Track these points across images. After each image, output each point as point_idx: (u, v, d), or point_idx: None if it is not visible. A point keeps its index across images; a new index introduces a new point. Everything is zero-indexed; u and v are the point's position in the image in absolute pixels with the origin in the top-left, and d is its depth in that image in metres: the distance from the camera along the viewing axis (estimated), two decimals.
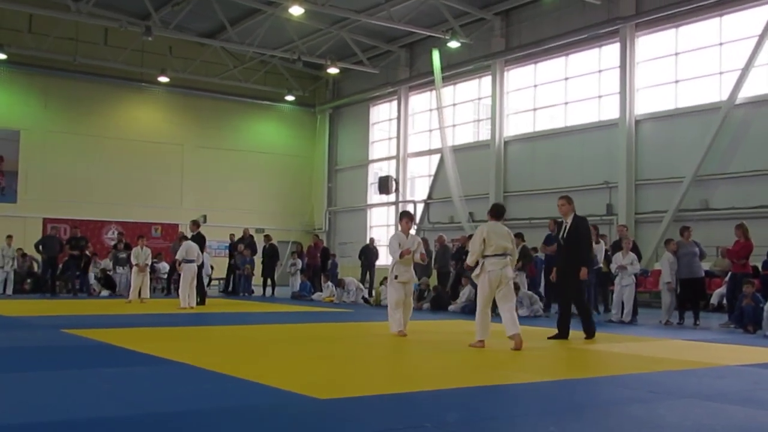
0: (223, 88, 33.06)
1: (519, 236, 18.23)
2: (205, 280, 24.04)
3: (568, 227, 11.00)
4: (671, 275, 14.44)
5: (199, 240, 17.90)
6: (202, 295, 18.01)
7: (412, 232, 11.62)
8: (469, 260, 9.91)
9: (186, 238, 17.83)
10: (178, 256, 17.23)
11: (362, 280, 21.12)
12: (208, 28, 30.14)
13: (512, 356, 8.92)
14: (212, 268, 25.63)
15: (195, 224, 18.37)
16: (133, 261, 18.80)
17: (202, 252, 18.26)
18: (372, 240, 27.10)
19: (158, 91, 32.22)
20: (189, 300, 16.66)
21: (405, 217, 11.44)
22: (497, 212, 10.00)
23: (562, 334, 10.87)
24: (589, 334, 10.84)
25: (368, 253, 25.23)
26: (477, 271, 9.65)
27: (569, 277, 10.87)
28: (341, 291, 21.00)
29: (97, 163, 30.56)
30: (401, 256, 10.79)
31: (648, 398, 6.18)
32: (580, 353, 9.65)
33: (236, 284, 24.15)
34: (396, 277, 10.79)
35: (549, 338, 10.84)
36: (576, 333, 10.91)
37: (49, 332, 10.93)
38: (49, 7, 26.89)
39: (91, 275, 22.86)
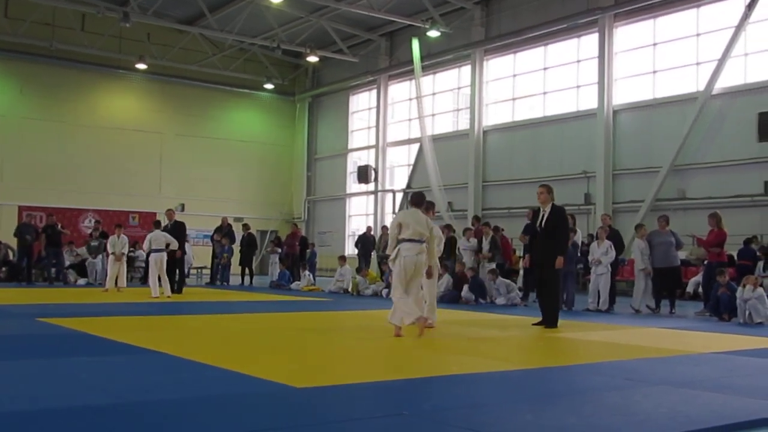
0: (202, 76, 32.86)
1: (448, 227, 18.39)
2: (186, 269, 24.02)
3: (546, 216, 11.05)
4: (644, 261, 14.53)
5: (179, 228, 17.76)
6: (180, 284, 17.91)
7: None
8: (389, 250, 9.68)
9: (159, 226, 17.65)
10: (145, 246, 17.08)
11: (359, 269, 20.96)
12: (187, 14, 29.92)
13: (488, 345, 8.95)
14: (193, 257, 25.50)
15: (170, 212, 18.19)
16: (110, 249, 18.71)
17: (185, 240, 18.22)
18: (369, 228, 26.72)
19: (136, 78, 31.96)
20: (163, 287, 16.47)
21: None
22: (416, 200, 9.87)
23: (550, 321, 10.98)
24: (552, 323, 10.85)
25: (365, 242, 24.83)
26: (392, 255, 9.50)
27: (546, 265, 10.93)
28: (339, 273, 20.83)
29: (73, 151, 30.31)
30: None
31: (624, 385, 6.23)
32: (555, 342, 9.71)
33: (214, 273, 24.05)
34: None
35: (534, 324, 10.99)
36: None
37: (24, 321, 10.83)
38: None
39: (66, 262, 22.60)
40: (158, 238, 16.74)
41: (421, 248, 9.42)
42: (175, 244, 16.87)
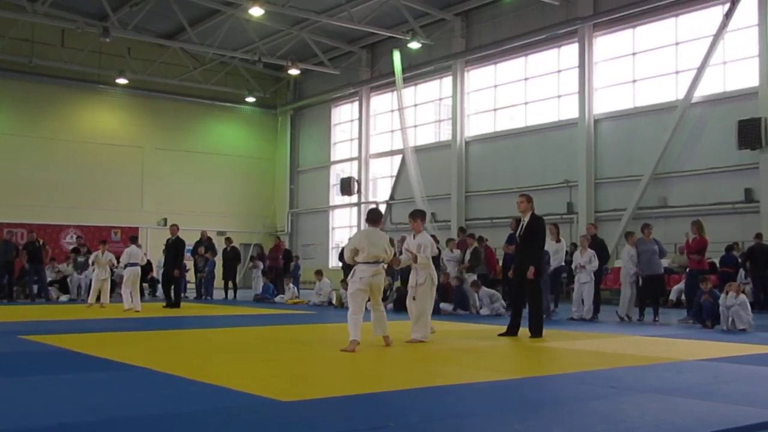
0: (183, 90, 32.80)
1: (471, 237, 18.39)
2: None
3: (525, 225, 11.12)
4: (635, 267, 14.52)
5: (177, 244, 18.31)
6: (177, 299, 18.27)
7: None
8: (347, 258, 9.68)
9: (135, 241, 17.81)
10: (122, 261, 17.31)
11: (343, 281, 20.78)
12: (167, 28, 29.88)
13: (474, 356, 8.95)
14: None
15: (174, 228, 18.72)
16: (93, 264, 18.61)
17: (182, 257, 18.90)
18: None
19: (117, 93, 31.86)
20: (134, 303, 16.62)
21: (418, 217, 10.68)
22: (372, 217, 9.81)
23: (512, 330, 11.06)
24: (536, 332, 10.85)
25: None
26: (351, 276, 9.53)
27: (525, 274, 10.97)
28: (318, 287, 20.83)
29: (54, 167, 30.14)
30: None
31: (609, 394, 6.24)
32: (540, 351, 9.72)
33: (198, 287, 23.93)
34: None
35: (499, 335, 11.02)
36: (524, 330, 11.07)
37: (6, 338, 10.71)
38: (4, 8, 26.48)
39: (48, 279, 22.41)
40: (135, 253, 16.97)
41: (377, 269, 9.36)
42: (145, 262, 17.41)
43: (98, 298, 18.22)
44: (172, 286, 18.35)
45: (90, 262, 18.86)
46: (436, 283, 10.66)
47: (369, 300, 9.58)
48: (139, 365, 7.68)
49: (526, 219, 11.16)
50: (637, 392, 6.26)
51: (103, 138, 31.53)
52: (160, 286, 24.21)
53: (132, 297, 16.77)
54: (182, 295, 19.63)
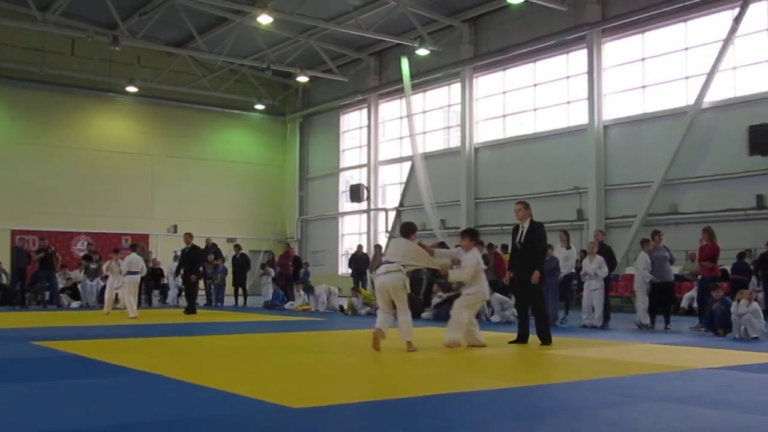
0: (193, 98, 32.91)
1: (481, 244, 18.28)
2: (176, 291, 23.98)
3: (525, 232, 11.12)
4: (650, 275, 14.40)
5: (196, 252, 18.82)
6: (192, 306, 18.63)
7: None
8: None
9: (135, 249, 17.98)
10: (123, 269, 17.56)
11: (353, 289, 20.70)
12: (177, 37, 29.99)
13: (483, 363, 8.93)
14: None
15: (188, 236, 18.97)
16: (106, 272, 18.58)
17: (199, 265, 19.40)
18: (360, 247, 26.20)
19: (127, 101, 31.99)
20: (129, 309, 16.87)
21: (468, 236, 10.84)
22: (402, 229, 10.55)
23: (521, 338, 11.07)
24: (545, 340, 10.86)
25: (358, 261, 24.54)
26: None
27: (527, 282, 10.94)
28: (313, 298, 20.97)
29: (65, 174, 30.27)
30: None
31: (620, 402, 6.21)
32: (550, 358, 9.69)
33: (208, 294, 23.94)
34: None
35: (510, 342, 10.99)
36: (534, 338, 11.05)
37: (19, 344, 10.77)
38: (15, 18, 26.65)
39: (59, 286, 22.50)
40: (135, 261, 17.35)
41: (387, 268, 9.77)
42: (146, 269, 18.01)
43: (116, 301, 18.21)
44: (187, 292, 18.93)
45: (104, 269, 18.88)
46: (482, 298, 10.86)
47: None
48: (149, 371, 7.70)
49: (526, 225, 11.17)
50: (649, 400, 6.24)
51: (114, 146, 31.66)
52: (169, 292, 24.33)
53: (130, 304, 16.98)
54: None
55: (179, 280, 23.94)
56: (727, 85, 20.92)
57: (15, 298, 21.61)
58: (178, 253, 25.78)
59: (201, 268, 21.71)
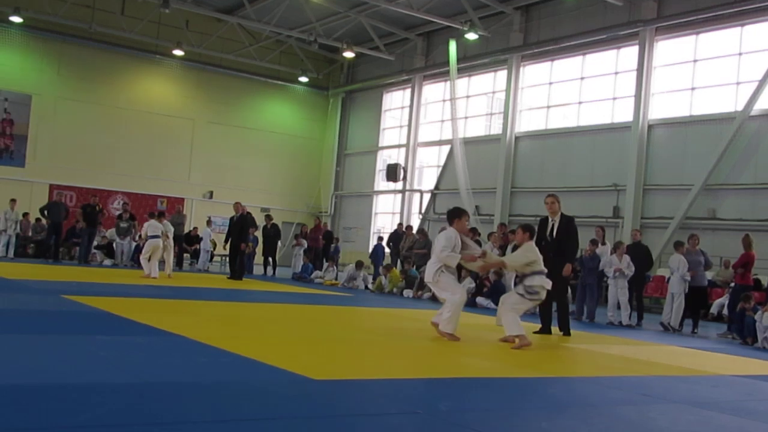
0: (238, 66, 33.03)
1: (513, 232, 18.10)
2: (206, 256, 24.18)
3: (557, 225, 11.13)
4: (685, 276, 14.21)
5: (246, 221, 19.33)
6: (240, 272, 19.41)
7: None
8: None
9: (153, 216, 18.29)
10: (143, 233, 18.04)
11: (389, 267, 20.40)
12: (226, 3, 30.09)
13: (506, 351, 8.92)
14: (215, 244, 25.63)
15: (237, 205, 19.64)
16: (147, 234, 18.39)
17: (248, 233, 19.86)
18: (400, 225, 25.16)
19: (172, 65, 32.20)
20: (151, 271, 17.12)
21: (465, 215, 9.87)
22: (447, 215, 9.88)
23: (545, 329, 11.16)
24: (566, 331, 11.07)
25: (397, 240, 23.26)
26: None
27: (556, 273, 10.87)
28: (344, 274, 21.02)
29: (106, 133, 30.58)
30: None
31: (640, 401, 6.19)
32: (574, 352, 9.66)
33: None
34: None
35: (534, 332, 10.99)
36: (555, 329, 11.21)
37: (49, 297, 10.97)
38: None
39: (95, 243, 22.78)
40: (155, 226, 17.68)
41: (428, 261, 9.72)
42: (171, 232, 18.18)
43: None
44: (237, 260, 19.34)
45: (142, 233, 18.68)
46: (537, 299, 9.87)
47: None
48: (175, 332, 7.80)
49: (557, 219, 11.15)
50: (668, 402, 6.20)
51: (156, 108, 31.91)
52: (200, 257, 24.49)
53: (151, 267, 17.21)
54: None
55: (209, 244, 24.32)
56: None
57: (49, 251, 21.88)
58: (212, 219, 26.20)
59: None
